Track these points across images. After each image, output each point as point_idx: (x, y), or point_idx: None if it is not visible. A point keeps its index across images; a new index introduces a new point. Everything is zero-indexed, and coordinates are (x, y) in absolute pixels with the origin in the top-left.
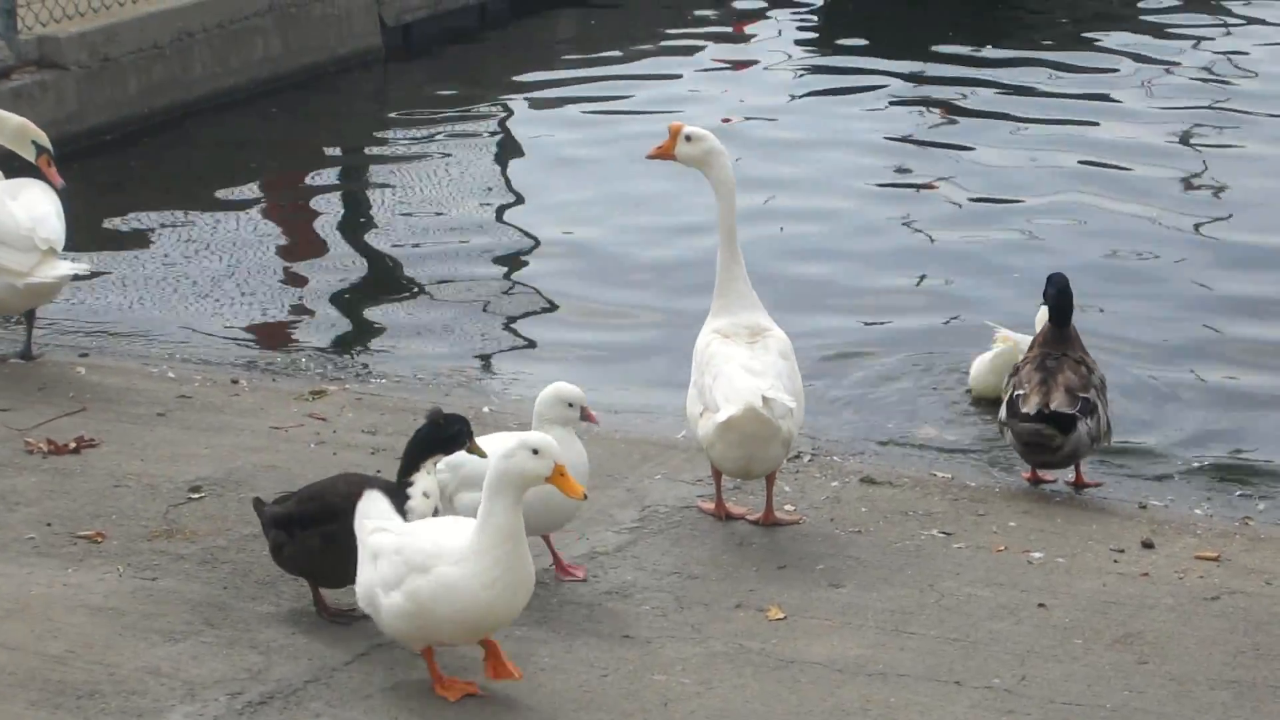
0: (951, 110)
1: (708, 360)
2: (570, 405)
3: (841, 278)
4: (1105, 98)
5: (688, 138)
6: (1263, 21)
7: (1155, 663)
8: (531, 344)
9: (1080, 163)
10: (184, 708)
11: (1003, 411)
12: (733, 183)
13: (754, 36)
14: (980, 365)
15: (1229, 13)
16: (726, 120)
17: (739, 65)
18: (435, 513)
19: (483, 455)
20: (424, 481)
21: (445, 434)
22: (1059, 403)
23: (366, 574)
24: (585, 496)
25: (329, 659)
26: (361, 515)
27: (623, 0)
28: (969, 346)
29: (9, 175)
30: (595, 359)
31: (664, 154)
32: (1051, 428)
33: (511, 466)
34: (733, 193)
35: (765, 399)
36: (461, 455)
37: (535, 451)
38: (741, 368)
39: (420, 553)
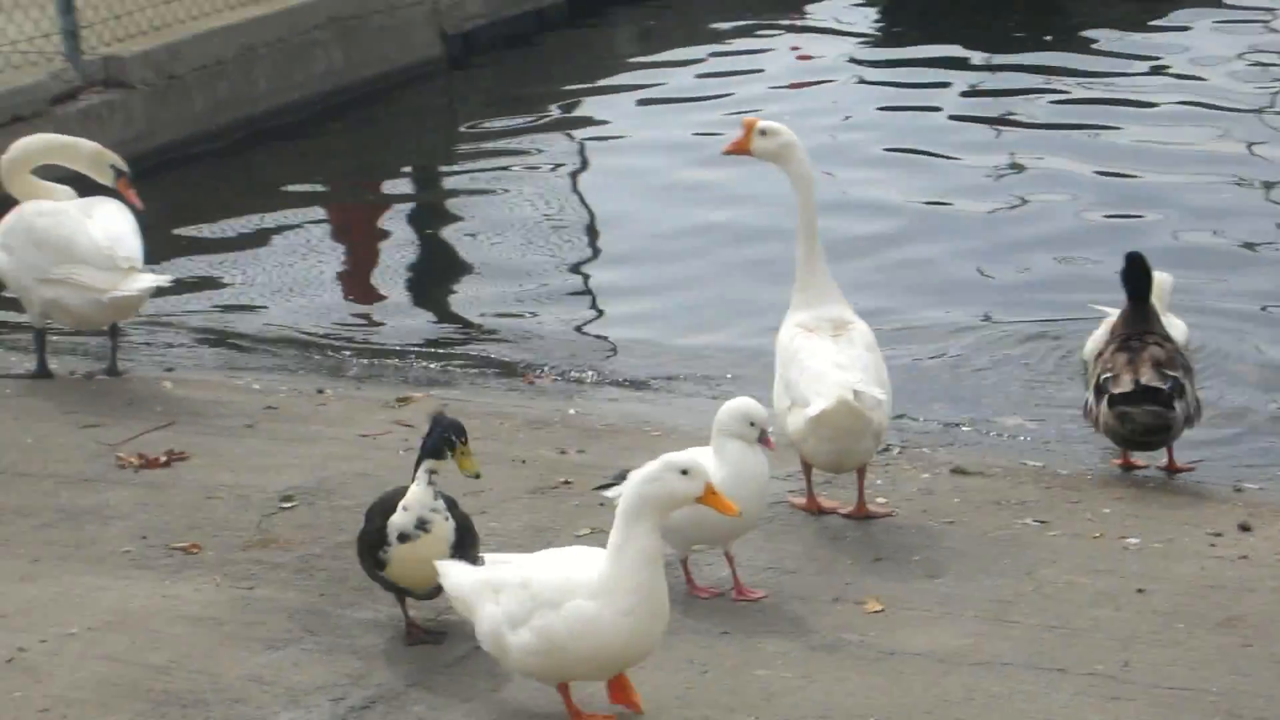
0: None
1: (793, 354)
2: (752, 424)
3: (924, 269)
4: (1174, 90)
5: (763, 132)
6: None
7: (1260, 645)
8: (613, 346)
9: (1155, 149)
10: (288, 714)
11: (1091, 396)
12: (811, 175)
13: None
14: (1095, 339)
15: None
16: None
17: (803, 58)
18: (422, 525)
19: (473, 474)
20: (410, 493)
21: (428, 439)
22: (1149, 378)
23: (488, 611)
24: (740, 515)
25: (429, 662)
26: (445, 573)
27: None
28: (1054, 334)
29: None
30: (681, 358)
31: (740, 149)
32: (1148, 401)
33: (657, 490)
34: (812, 185)
35: (856, 392)
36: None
37: (684, 472)
38: (829, 361)
39: (549, 586)
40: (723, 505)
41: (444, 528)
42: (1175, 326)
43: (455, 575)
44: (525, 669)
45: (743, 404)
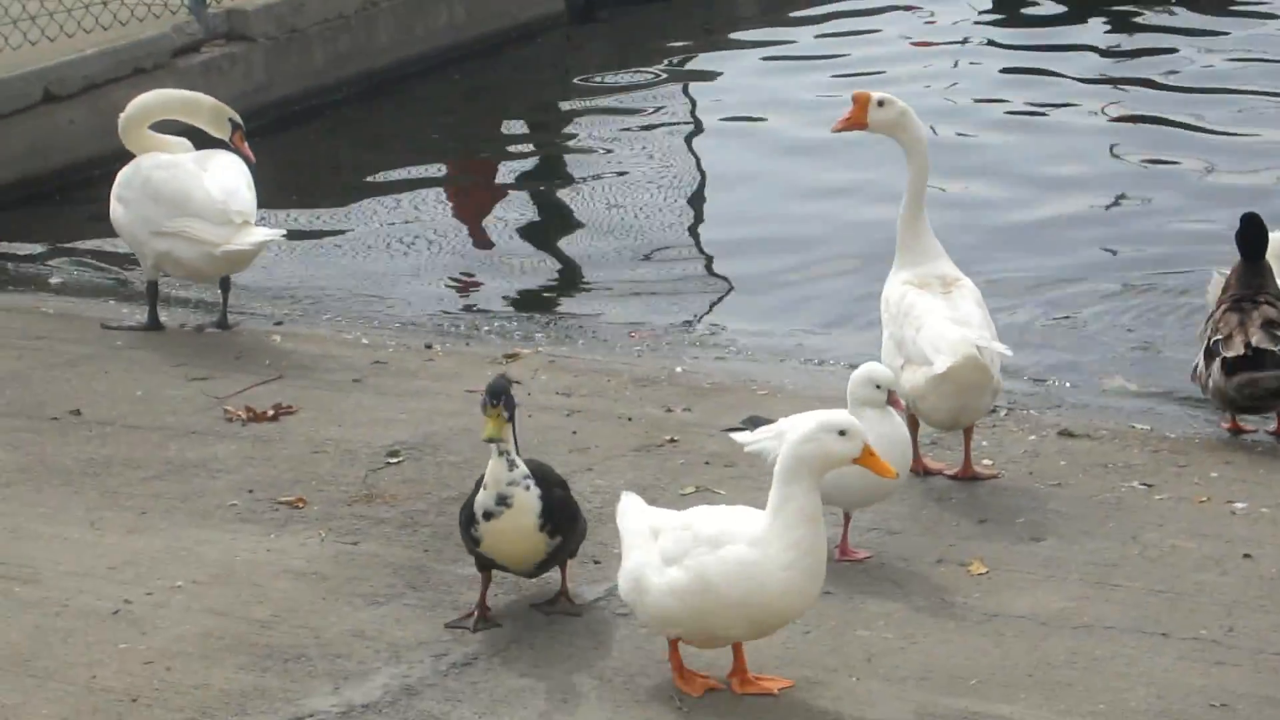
0: (1131, 117)
1: (905, 311)
2: (878, 387)
3: (1030, 232)
4: None
5: (879, 103)
6: None
7: None
8: (721, 307)
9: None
10: (389, 669)
11: (1200, 359)
12: (926, 142)
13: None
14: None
15: None
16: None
17: (921, 43)
18: (502, 501)
19: (486, 439)
20: (487, 470)
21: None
22: (1259, 339)
23: (636, 555)
24: (897, 476)
25: (532, 620)
26: (623, 509)
27: None
28: (1163, 295)
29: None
30: (790, 320)
31: (854, 124)
32: (1259, 365)
33: (814, 450)
34: (926, 152)
35: (979, 347)
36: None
37: (842, 433)
38: (945, 318)
39: (711, 529)
40: (880, 467)
41: (526, 498)
42: None
43: (629, 517)
44: (661, 610)
45: (867, 369)
